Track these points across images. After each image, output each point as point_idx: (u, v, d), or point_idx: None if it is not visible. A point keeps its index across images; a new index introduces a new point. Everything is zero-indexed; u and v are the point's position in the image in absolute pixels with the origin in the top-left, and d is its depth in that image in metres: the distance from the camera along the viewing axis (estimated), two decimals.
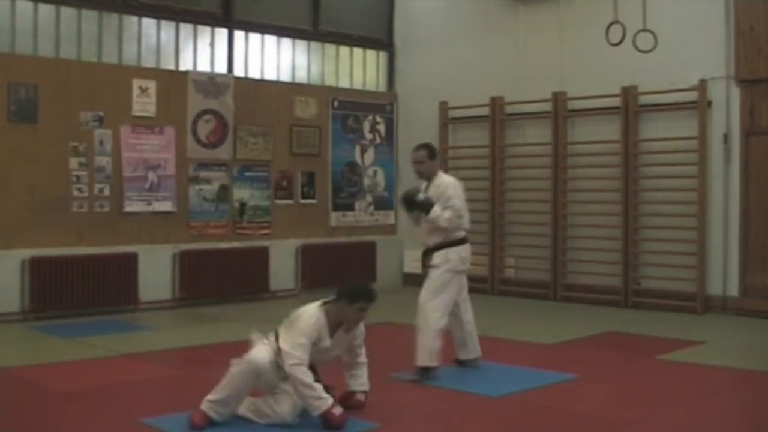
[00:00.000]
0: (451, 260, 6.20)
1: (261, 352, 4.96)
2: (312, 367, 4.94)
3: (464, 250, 6.30)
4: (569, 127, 10.60)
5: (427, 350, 6.07)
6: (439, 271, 6.19)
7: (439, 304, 6.15)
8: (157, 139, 9.87)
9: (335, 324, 5.05)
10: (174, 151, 9.99)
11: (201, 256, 10.09)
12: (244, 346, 5.19)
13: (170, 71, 10.18)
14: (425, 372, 6.09)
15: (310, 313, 4.99)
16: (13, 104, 8.88)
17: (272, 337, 5.07)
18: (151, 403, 5.61)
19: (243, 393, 4.95)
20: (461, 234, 6.29)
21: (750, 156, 9.21)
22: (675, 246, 9.57)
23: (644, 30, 8.46)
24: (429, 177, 6.32)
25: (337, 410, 4.89)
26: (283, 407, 4.92)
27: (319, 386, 4.88)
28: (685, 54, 9.41)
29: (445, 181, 6.29)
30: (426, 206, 6.16)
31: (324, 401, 4.86)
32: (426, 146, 6.42)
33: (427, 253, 6.32)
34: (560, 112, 10.54)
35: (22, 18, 9.22)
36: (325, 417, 4.86)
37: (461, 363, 6.47)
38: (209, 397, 4.92)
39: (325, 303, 5.07)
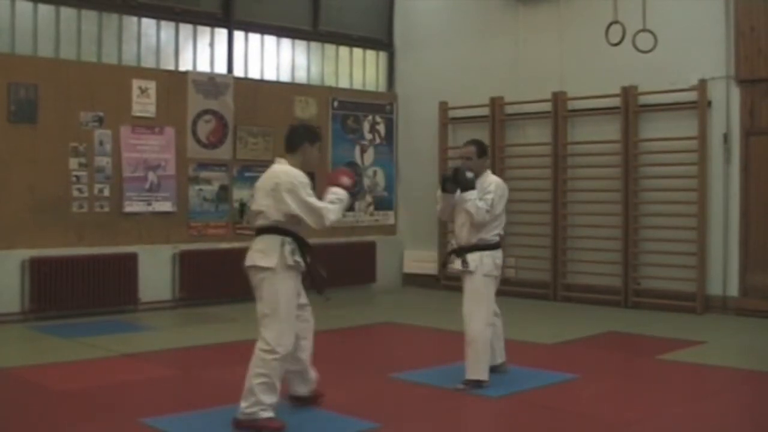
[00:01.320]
0: (486, 264, 5.91)
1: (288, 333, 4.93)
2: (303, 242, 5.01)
3: (498, 255, 6.01)
4: (569, 127, 10.60)
5: (481, 363, 5.88)
6: (476, 278, 5.90)
7: (484, 314, 5.91)
8: (157, 140, 9.87)
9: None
10: (174, 151, 10.00)
11: (201, 257, 10.09)
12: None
13: (170, 71, 10.18)
14: (478, 383, 5.88)
15: (297, 175, 4.97)
16: (13, 104, 8.88)
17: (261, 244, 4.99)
18: (151, 403, 5.61)
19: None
20: (496, 238, 6.00)
21: (750, 156, 9.21)
22: (675, 246, 9.57)
23: (644, 30, 8.46)
24: (476, 175, 6.02)
25: (344, 179, 5.13)
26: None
27: (336, 195, 5.03)
28: (685, 54, 9.41)
29: (491, 179, 6.05)
30: (469, 185, 5.86)
31: (340, 192, 5.06)
32: (476, 142, 6.18)
33: (459, 253, 6.02)
34: (560, 112, 10.54)
35: (22, 18, 9.23)
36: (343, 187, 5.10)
37: (492, 369, 6.13)
38: (269, 401, 4.83)
39: (289, 159, 5.10)
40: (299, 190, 4.87)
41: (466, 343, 5.91)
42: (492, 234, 5.99)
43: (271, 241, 4.92)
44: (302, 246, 4.99)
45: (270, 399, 4.81)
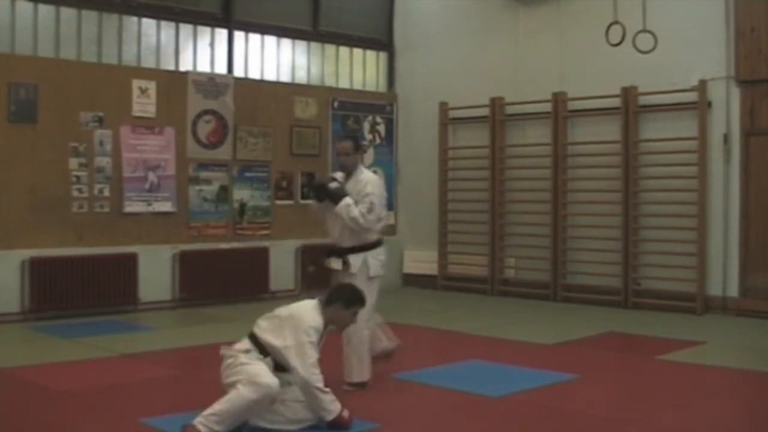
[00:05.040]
0: (372, 266, 5.84)
1: (268, 374, 4.71)
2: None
3: (381, 252, 5.92)
4: (569, 128, 10.60)
5: (364, 364, 5.84)
6: (359, 280, 5.70)
7: (364, 317, 5.73)
8: (157, 140, 9.87)
9: (325, 325, 5.03)
10: (174, 151, 9.99)
11: (201, 257, 10.09)
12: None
13: (170, 72, 10.18)
14: (362, 385, 5.84)
15: (312, 315, 4.90)
16: (13, 104, 8.88)
17: (247, 342, 4.90)
18: (151, 403, 5.60)
19: (247, 416, 4.70)
20: (376, 236, 5.90)
21: (750, 156, 9.21)
22: (675, 246, 9.56)
23: (644, 30, 8.46)
24: (351, 171, 5.92)
25: (346, 412, 4.90)
26: (300, 415, 4.84)
27: (330, 390, 4.87)
28: (685, 54, 9.41)
29: (366, 176, 5.91)
30: (336, 196, 5.76)
31: (337, 405, 4.87)
32: (353, 138, 6.11)
33: (339, 254, 5.89)
34: (560, 112, 10.53)
35: (22, 18, 9.22)
36: (338, 421, 4.85)
37: (387, 355, 6.19)
38: (207, 413, 4.58)
39: (320, 304, 5.01)
40: (303, 331, 4.79)
41: (346, 346, 5.82)
42: (373, 234, 5.90)
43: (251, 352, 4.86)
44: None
45: None
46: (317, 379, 4.78)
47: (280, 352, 4.80)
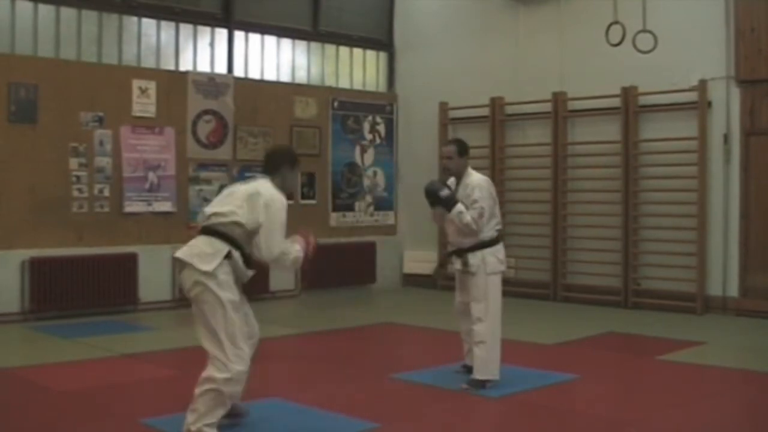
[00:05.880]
0: (490, 263, 5.90)
1: (245, 350, 4.78)
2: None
3: (499, 249, 6.00)
4: (569, 128, 10.60)
5: (491, 363, 5.86)
6: (480, 278, 5.89)
7: (492, 312, 5.87)
8: (157, 140, 9.87)
9: None
10: (174, 151, 10.00)
11: None
12: None
13: (170, 72, 10.18)
14: (483, 384, 5.87)
15: (280, 198, 4.87)
16: (13, 104, 8.88)
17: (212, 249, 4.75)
18: (151, 403, 5.61)
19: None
20: (495, 234, 5.97)
21: (750, 156, 9.21)
22: (675, 246, 9.57)
23: (644, 30, 8.46)
24: (458, 174, 6.03)
25: (312, 237, 5.02)
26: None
27: (294, 250, 4.89)
28: (685, 54, 9.41)
29: (473, 179, 5.97)
30: (448, 203, 5.88)
31: (299, 249, 4.91)
32: (457, 142, 6.19)
33: (459, 254, 6.00)
34: (560, 112, 10.54)
35: (22, 18, 9.23)
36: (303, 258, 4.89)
37: (469, 369, 6.22)
38: (201, 418, 4.51)
39: (272, 180, 4.94)
40: (276, 212, 4.77)
41: (474, 344, 5.90)
42: (489, 232, 5.96)
43: (218, 246, 4.72)
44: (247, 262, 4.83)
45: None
46: (281, 254, 4.83)
47: (257, 226, 4.78)
